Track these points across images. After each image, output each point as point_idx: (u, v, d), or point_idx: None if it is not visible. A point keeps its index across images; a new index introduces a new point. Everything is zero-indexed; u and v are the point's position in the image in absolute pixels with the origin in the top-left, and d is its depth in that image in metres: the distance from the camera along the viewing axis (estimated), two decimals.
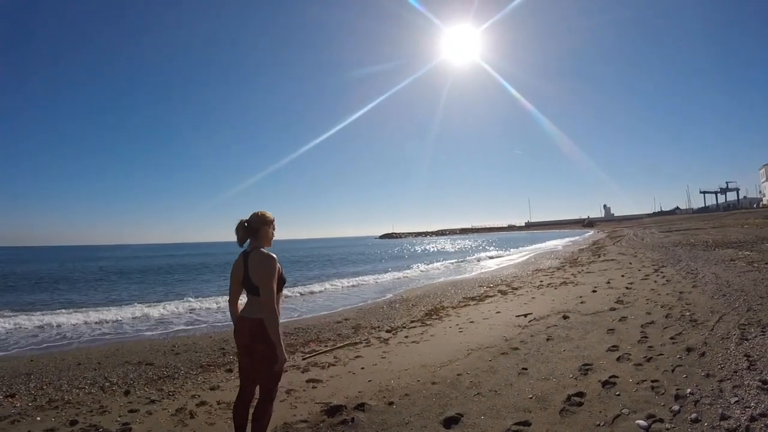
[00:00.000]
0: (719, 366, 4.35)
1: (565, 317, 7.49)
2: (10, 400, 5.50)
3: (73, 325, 11.26)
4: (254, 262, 3.12)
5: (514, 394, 4.25)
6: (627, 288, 9.98)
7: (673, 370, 4.36)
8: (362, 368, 5.76)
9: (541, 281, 13.24)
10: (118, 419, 4.51)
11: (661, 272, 12.16)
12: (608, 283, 11.16)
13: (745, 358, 4.50)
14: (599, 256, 20.52)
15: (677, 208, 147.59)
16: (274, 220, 3.33)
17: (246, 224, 3.25)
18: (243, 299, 3.32)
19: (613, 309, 7.80)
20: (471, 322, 8.11)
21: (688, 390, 3.84)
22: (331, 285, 18.16)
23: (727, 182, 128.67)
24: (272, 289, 3.05)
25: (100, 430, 4.25)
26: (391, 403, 4.29)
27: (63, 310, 13.26)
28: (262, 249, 3.20)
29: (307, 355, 6.87)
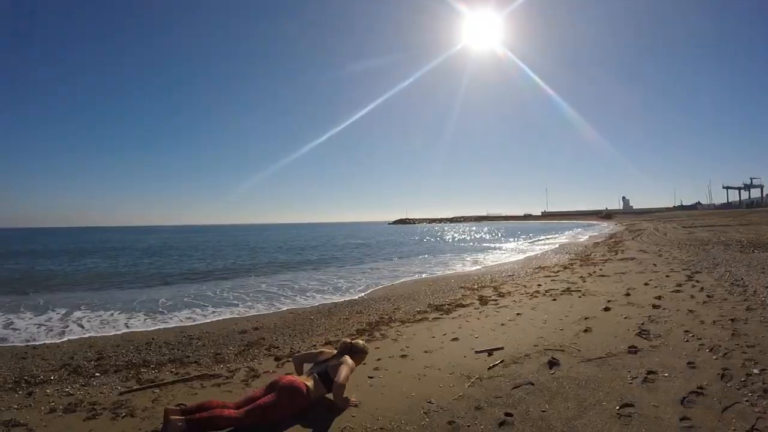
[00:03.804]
0: None
1: (552, 363, 4.55)
2: None
3: None
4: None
5: None
6: (654, 307, 6.99)
7: None
8: None
9: (539, 285, 10.26)
10: None
11: (696, 280, 9.18)
12: (627, 294, 8.16)
13: None
14: (616, 253, 17.39)
15: (698, 203, 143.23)
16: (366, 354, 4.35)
17: (350, 344, 4.16)
18: None
19: (632, 350, 4.86)
20: (402, 356, 5.22)
21: None
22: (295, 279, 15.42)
23: (751, 178, 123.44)
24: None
25: None
26: None
27: None
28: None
29: (125, 390, 4.45)
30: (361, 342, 4.30)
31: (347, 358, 3.97)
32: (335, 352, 4.14)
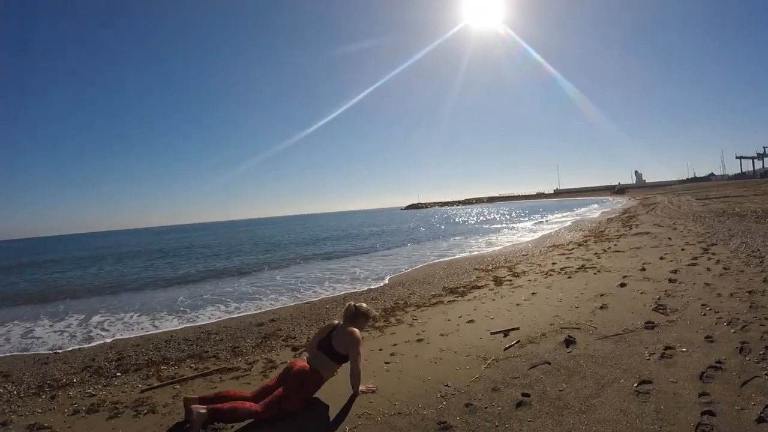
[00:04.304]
0: None
1: (568, 341, 4.54)
2: None
3: None
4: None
5: None
6: (670, 281, 6.93)
7: None
8: None
9: (554, 263, 10.21)
10: None
11: (712, 253, 9.06)
12: (643, 269, 8.10)
13: None
14: (630, 228, 17.23)
15: (712, 174, 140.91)
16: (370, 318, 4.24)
17: (354, 308, 4.02)
18: None
19: (649, 326, 4.82)
20: (418, 341, 5.25)
21: None
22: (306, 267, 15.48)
23: (764, 147, 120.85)
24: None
25: None
26: None
27: None
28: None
29: (146, 388, 4.51)
30: (365, 305, 4.09)
31: (353, 331, 3.82)
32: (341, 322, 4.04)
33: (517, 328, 5.21)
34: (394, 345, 5.09)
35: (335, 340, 3.78)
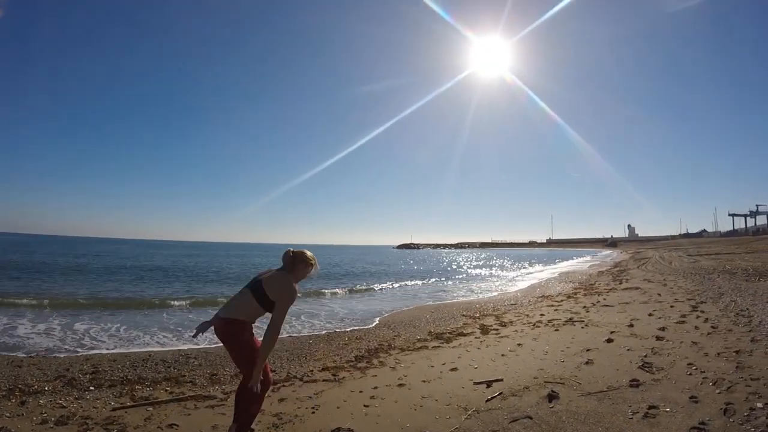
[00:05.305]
0: None
1: (551, 396, 4.45)
2: None
3: None
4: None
5: None
6: (657, 338, 6.88)
7: None
8: None
9: (542, 315, 10.14)
10: None
11: (701, 311, 9.04)
12: (631, 326, 8.04)
13: None
14: (620, 282, 17.23)
15: (704, 230, 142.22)
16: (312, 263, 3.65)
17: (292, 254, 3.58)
18: None
19: (633, 383, 4.75)
20: (400, 385, 5.14)
21: None
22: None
23: (757, 205, 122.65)
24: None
25: None
26: None
27: None
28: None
29: (119, 407, 4.45)
30: (309, 252, 3.65)
31: (287, 278, 3.47)
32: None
33: (501, 380, 5.12)
34: (375, 388, 4.99)
35: (267, 282, 3.36)
